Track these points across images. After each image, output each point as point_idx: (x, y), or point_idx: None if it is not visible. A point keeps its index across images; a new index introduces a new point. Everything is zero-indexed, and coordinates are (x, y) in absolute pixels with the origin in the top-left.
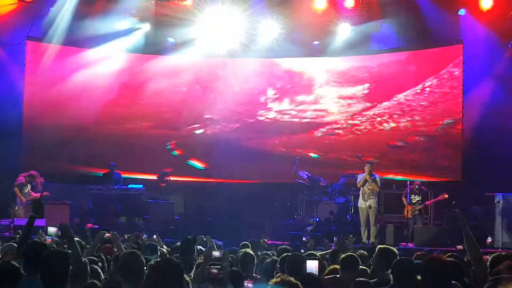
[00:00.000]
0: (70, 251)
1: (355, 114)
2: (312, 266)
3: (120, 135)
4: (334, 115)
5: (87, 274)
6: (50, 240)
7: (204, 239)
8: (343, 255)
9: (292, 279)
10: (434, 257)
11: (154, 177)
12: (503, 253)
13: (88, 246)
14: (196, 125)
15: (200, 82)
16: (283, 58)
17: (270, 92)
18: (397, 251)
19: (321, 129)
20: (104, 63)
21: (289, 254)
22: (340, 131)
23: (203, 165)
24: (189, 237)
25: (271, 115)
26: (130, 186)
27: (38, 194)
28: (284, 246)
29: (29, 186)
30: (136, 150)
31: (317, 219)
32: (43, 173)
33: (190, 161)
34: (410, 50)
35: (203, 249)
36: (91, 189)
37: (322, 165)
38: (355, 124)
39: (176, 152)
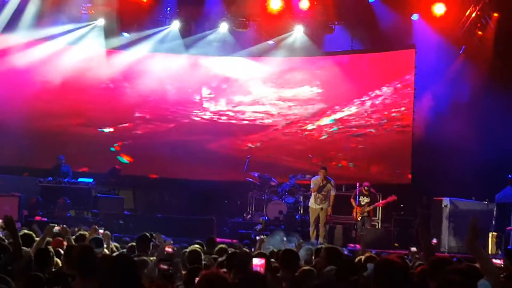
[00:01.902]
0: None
1: (304, 117)
2: (258, 264)
3: (48, 132)
4: (275, 117)
5: (31, 266)
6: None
7: (154, 235)
8: (282, 251)
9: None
10: (387, 258)
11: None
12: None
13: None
14: (125, 124)
15: (128, 79)
16: (229, 56)
17: (205, 92)
18: (343, 251)
19: (267, 131)
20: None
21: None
22: (285, 133)
23: (128, 160)
24: (146, 233)
25: (207, 115)
26: (80, 179)
27: None
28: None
29: None
30: (69, 147)
31: (267, 218)
32: None
33: (120, 156)
34: (363, 53)
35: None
36: (40, 182)
37: (270, 166)
38: (302, 127)
39: (125, 159)
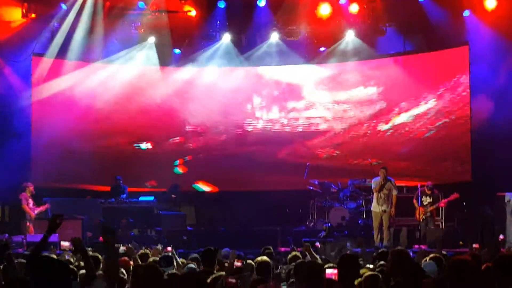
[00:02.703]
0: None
1: (361, 119)
2: (331, 273)
3: (105, 152)
4: (330, 122)
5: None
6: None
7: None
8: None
9: None
10: (460, 258)
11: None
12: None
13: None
14: (176, 138)
15: (179, 95)
16: (285, 65)
17: (256, 100)
18: (410, 254)
19: (323, 136)
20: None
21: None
22: (344, 137)
23: (210, 188)
24: (211, 248)
25: (260, 124)
26: (141, 198)
27: (42, 207)
28: (294, 253)
29: (30, 200)
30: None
31: (329, 225)
32: (52, 189)
33: (196, 184)
34: (417, 53)
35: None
36: (102, 203)
37: (330, 171)
38: (361, 129)
39: (180, 170)
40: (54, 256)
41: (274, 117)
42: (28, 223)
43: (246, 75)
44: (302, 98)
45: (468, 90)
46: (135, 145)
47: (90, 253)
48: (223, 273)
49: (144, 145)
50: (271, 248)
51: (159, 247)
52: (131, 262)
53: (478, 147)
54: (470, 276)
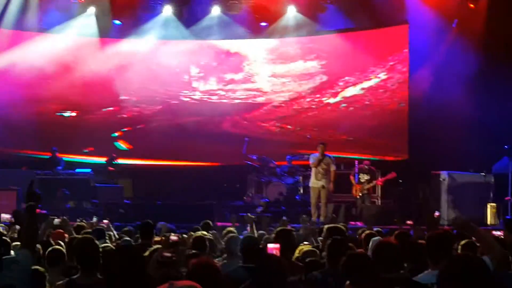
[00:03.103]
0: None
1: (298, 93)
2: (273, 248)
3: (36, 120)
4: (268, 94)
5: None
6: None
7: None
8: (277, 231)
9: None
10: (385, 240)
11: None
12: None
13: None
14: (110, 108)
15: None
16: (225, 40)
17: (194, 71)
18: (345, 230)
19: (261, 109)
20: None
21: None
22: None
23: (126, 146)
24: (149, 221)
25: (197, 95)
26: (77, 170)
27: None
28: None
29: None
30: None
31: (267, 200)
32: None
33: (117, 142)
34: (356, 30)
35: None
36: (38, 174)
37: (269, 144)
38: (300, 103)
39: (123, 145)
40: None
41: (212, 88)
42: None
43: (185, 48)
44: (241, 70)
45: (407, 69)
46: (57, 113)
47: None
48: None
49: (68, 114)
50: (210, 222)
51: (95, 219)
52: (66, 234)
53: (415, 125)
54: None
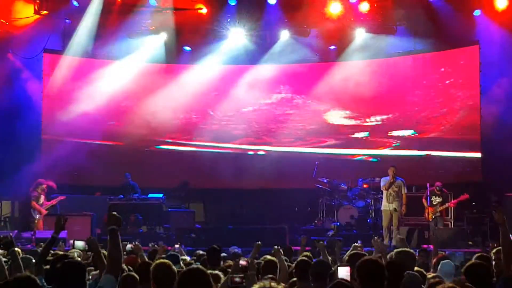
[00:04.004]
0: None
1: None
2: (343, 272)
3: (115, 150)
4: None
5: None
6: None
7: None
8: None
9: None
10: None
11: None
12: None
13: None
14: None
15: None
16: (298, 63)
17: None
18: (415, 254)
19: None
20: (121, 75)
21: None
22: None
23: None
24: (215, 246)
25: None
26: (150, 195)
27: (53, 201)
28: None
29: (42, 197)
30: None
31: (338, 224)
32: (61, 185)
33: None
34: (427, 52)
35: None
36: (111, 200)
37: (341, 168)
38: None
39: None
40: (61, 253)
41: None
42: (37, 220)
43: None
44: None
45: (478, 90)
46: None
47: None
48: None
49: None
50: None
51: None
52: (139, 260)
53: (488, 147)
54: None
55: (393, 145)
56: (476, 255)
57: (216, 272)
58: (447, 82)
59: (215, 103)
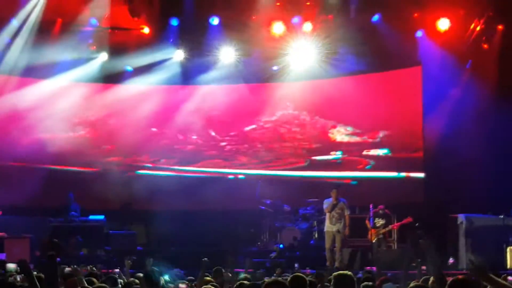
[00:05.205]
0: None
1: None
2: None
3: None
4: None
5: None
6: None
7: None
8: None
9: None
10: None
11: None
12: (459, 277)
13: None
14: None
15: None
16: (239, 84)
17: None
18: (354, 277)
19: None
20: (57, 94)
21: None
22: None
23: None
24: (153, 268)
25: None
26: (91, 217)
27: None
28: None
29: None
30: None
31: (281, 245)
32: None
33: None
34: (369, 73)
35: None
36: (51, 222)
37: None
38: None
39: None
40: None
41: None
42: None
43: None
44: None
45: (421, 109)
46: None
47: (35, 273)
48: None
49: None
50: (222, 269)
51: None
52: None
53: (430, 168)
54: None
55: (338, 161)
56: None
57: None
58: (390, 102)
59: (157, 123)
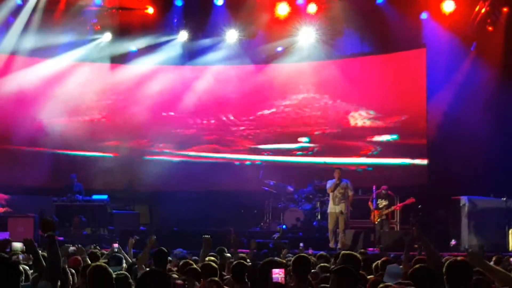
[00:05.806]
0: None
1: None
2: (278, 273)
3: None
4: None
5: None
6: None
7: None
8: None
9: None
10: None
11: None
12: (458, 258)
13: None
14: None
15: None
16: (242, 65)
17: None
18: (360, 257)
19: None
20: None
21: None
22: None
23: None
24: (162, 248)
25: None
26: (94, 197)
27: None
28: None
29: None
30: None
31: (284, 226)
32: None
33: None
34: (374, 54)
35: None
36: (54, 201)
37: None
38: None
39: None
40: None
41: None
42: None
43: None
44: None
45: (425, 92)
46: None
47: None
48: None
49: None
50: (225, 249)
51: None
52: (82, 262)
53: (434, 150)
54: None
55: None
56: (415, 258)
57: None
58: (395, 85)
59: (165, 104)
